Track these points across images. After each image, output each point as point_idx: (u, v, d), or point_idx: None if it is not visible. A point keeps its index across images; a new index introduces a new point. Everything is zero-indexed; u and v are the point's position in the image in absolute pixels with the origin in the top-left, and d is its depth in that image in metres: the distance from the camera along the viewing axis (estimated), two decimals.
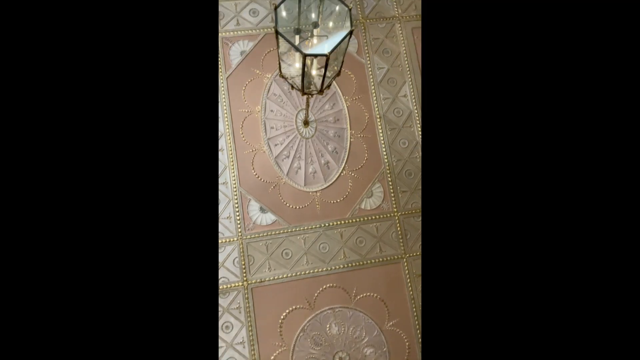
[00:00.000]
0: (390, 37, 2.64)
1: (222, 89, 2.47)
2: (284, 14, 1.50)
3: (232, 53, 2.52)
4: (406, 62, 2.63)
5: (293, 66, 1.59)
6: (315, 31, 1.53)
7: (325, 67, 1.52)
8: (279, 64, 1.65)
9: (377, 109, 2.55)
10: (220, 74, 2.49)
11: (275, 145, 2.46)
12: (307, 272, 2.31)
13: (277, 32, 1.41)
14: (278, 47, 1.56)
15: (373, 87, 2.58)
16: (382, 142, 2.52)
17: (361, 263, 2.35)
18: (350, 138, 2.50)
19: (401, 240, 2.40)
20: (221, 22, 2.55)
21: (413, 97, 2.59)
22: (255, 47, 2.54)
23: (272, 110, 2.50)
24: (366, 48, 2.61)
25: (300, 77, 1.58)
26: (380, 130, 2.53)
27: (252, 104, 2.49)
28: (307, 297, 2.28)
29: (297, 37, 1.49)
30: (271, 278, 2.28)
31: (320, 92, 1.71)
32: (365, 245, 2.38)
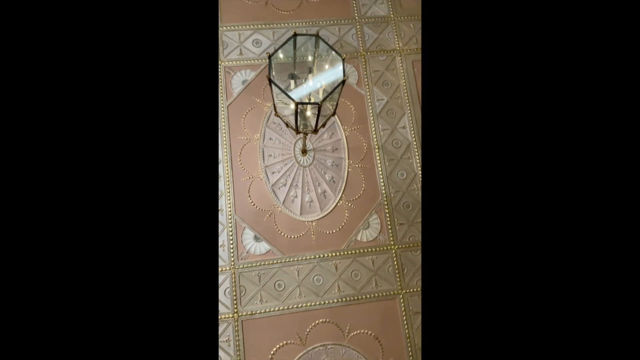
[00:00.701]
0: (390, 70, 2.68)
1: (223, 117, 2.50)
2: (280, 56, 1.53)
3: (234, 82, 2.57)
4: (406, 94, 2.65)
5: (288, 107, 1.61)
6: (310, 76, 1.55)
7: (319, 112, 1.53)
8: (274, 104, 1.66)
9: (375, 139, 2.55)
10: (221, 102, 2.53)
11: (273, 173, 2.45)
12: (299, 305, 2.24)
13: (270, 80, 1.43)
14: (272, 89, 1.58)
15: (372, 118, 2.59)
16: (380, 172, 2.50)
17: (356, 298, 2.28)
18: (348, 168, 2.49)
19: (398, 275, 2.34)
20: (224, 52, 2.61)
21: (412, 128, 2.59)
22: (257, 77, 2.59)
23: (270, 138, 2.51)
24: (366, 80, 2.64)
25: (294, 117, 1.59)
26: (379, 161, 2.51)
27: (251, 131, 2.51)
28: (298, 332, 2.20)
29: (292, 81, 1.51)
30: (262, 311, 2.22)
31: (315, 131, 1.71)
32: (360, 278, 2.32)
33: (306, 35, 1.42)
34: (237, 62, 2.60)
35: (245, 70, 2.60)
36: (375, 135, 2.56)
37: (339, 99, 1.53)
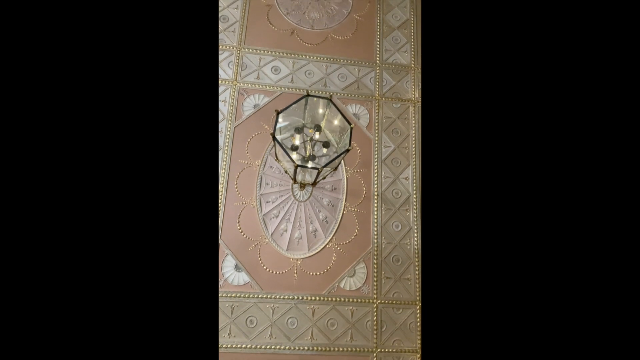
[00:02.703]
0: (402, 119, 2.67)
1: (228, 137, 2.48)
2: (291, 108, 1.50)
3: (245, 104, 2.56)
4: (413, 145, 2.63)
5: (289, 161, 1.57)
6: (317, 134, 1.53)
7: (318, 174, 1.50)
8: (275, 151, 1.63)
9: (376, 186, 2.51)
10: (229, 122, 2.51)
11: (267, 202, 2.40)
12: (268, 346, 2.13)
13: (273, 137, 1.40)
14: (275, 142, 1.54)
15: (376, 163, 2.56)
16: (375, 221, 2.44)
17: (328, 349, 2.17)
18: (344, 210, 2.44)
19: (375, 332, 2.23)
20: (242, 73, 2.62)
21: (414, 181, 2.55)
22: (269, 103, 2.58)
23: (271, 167, 2.47)
24: (376, 124, 2.63)
25: (293, 169, 1.56)
26: (376, 209, 2.46)
27: (253, 156, 2.47)
28: None
29: (297, 135, 1.49)
30: (229, 345, 2.11)
31: (314, 184, 1.67)
32: (336, 329, 2.21)
33: (319, 97, 1.40)
34: (253, 85, 2.60)
35: (258, 95, 2.59)
36: (376, 182, 2.51)
37: (339, 163, 1.50)
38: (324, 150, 1.46)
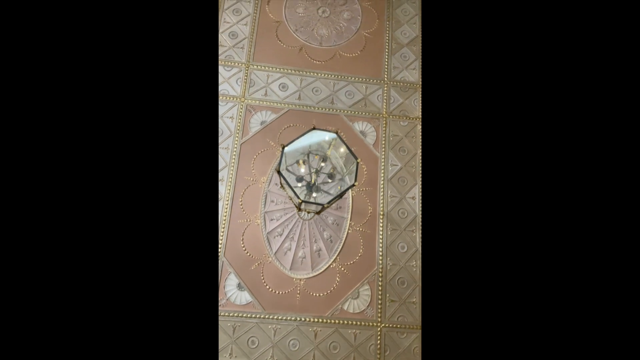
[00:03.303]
0: (409, 137, 2.64)
1: (234, 154, 2.48)
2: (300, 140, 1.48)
3: (252, 121, 2.57)
4: (420, 165, 2.58)
5: (294, 196, 1.55)
6: (322, 164, 1.51)
7: (322, 209, 1.48)
8: (280, 180, 1.61)
9: (382, 205, 2.47)
10: (236, 138, 2.52)
11: (271, 220, 2.38)
12: None
13: (279, 173, 1.39)
14: (280, 174, 1.51)
15: (382, 182, 2.52)
16: (381, 241, 2.40)
17: None
18: (349, 229, 2.40)
19: (379, 356, 2.18)
20: (249, 90, 2.63)
21: (421, 201, 2.51)
22: (275, 120, 2.58)
23: (276, 184, 2.46)
24: (383, 142, 2.60)
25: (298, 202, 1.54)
26: (381, 229, 2.42)
27: (259, 173, 2.47)
28: None
29: (304, 166, 1.48)
30: None
31: (318, 213, 1.65)
32: (338, 352, 2.17)
33: (325, 130, 1.39)
34: (260, 102, 2.61)
35: (266, 112, 2.60)
36: (382, 201, 2.48)
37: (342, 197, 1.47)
38: (329, 181, 1.45)
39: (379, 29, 2.89)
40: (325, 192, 1.37)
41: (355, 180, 1.30)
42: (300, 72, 2.70)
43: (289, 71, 2.69)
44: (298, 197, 1.29)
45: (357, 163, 1.34)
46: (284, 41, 2.77)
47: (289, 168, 1.33)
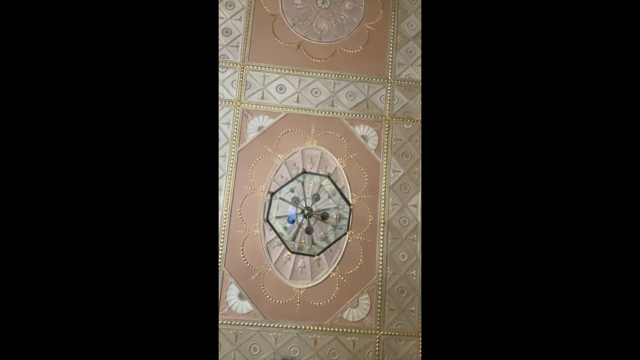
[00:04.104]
0: (413, 141, 2.52)
1: (232, 162, 2.43)
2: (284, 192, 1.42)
3: (249, 126, 2.48)
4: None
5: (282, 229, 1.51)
6: (314, 204, 1.45)
7: (312, 256, 1.43)
8: (266, 217, 1.56)
9: (383, 213, 2.42)
10: (233, 145, 2.45)
11: (270, 230, 2.37)
12: None
13: (268, 222, 1.34)
14: (269, 223, 1.45)
15: (384, 189, 2.46)
16: (381, 250, 2.38)
17: None
18: (348, 239, 2.38)
19: None
20: (246, 92, 2.52)
21: (421, 204, 2.44)
22: (273, 125, 2.49)
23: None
24: (386, 147, 2.50)
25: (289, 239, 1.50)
26: (382, 237, 2.39)
27: (257, 182, 2.43)
28: None
29: (294, 208, 1.42)
30: None
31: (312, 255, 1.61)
32: (338, 358, 2.24)
33: (317, 174, 1.31)
34: (257, 105, 2.50)
35: (263, 116, 2.50)
36: (383, 209, 2.43)
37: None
38: (322, 222, 1.40)
39: (384, 21, 2.67)
40: (311, 253, 1.33)
41: (349, 229, 1.26)
42: (299, 72, 2.55)
43: (287, 71, 2.55)
44: (289, 250, 1.27)
45: (351, 210, 1.28)
46: (280, 37, 2.60)
47: (280, 211, 1.29)
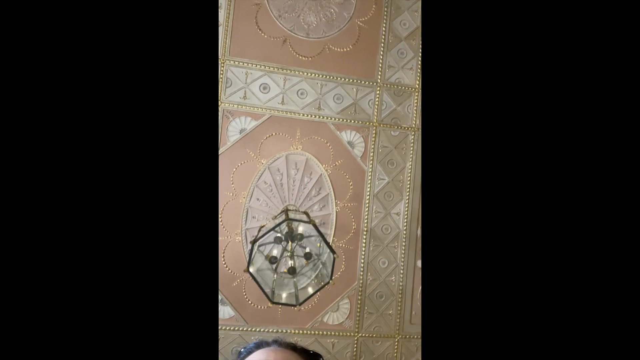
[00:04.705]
0: (399, 149, 2.49)
1: None
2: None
3: (230, 129, 2.35)
4: (409, 179, 2.50)
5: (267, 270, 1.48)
6: (297, 249, 1.41)
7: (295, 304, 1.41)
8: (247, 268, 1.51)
9: (366, 221, 2.44)
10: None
11: (252, 237, 2.35)
12: None
13: (249, 272, 1.28)
14: (249, 273, 1.39)
15: (368, 197, 2.45)
16: (363, 257, 2.43)
17: None
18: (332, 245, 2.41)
19: None
20: (226, 91, 2.36)
21: (406, 216, 2.48)
22: (256, 128, 2.37)
23: (258, 199, 2.37)
24: (372, 155, 2.46)
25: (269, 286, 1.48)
26: (364, 245, 2.43)
27: (239, 188, 2.35)
28: None
29: (275, 250, 1.38)
30: None
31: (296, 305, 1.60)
32: None
33: (301, 220, 1.26)
34: (239, 106, 2.36)
35: (245, 118, 2.36)
36: (366, 217, 2.44)
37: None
38: (305, 262, 1.39)
39: (376, 17, 2.51)
40: (292, 303, 1.31)
41: (331, 278, 1.25)
42: (284, 70, 2.40)
43: (271, 69, 2.39)
44: (270, 300, 1.26)
45: (334, 259, 1.27)
46: (265, 30, 2.40)
47: (261, 248, 1.26)
